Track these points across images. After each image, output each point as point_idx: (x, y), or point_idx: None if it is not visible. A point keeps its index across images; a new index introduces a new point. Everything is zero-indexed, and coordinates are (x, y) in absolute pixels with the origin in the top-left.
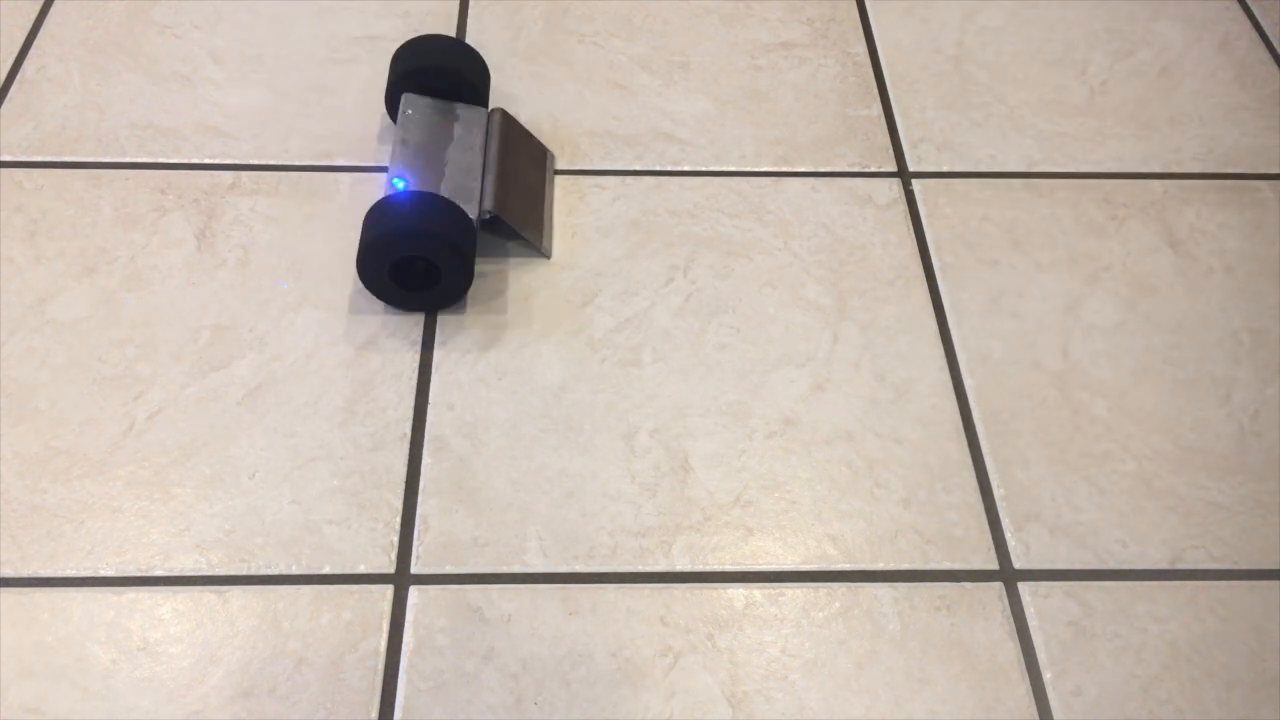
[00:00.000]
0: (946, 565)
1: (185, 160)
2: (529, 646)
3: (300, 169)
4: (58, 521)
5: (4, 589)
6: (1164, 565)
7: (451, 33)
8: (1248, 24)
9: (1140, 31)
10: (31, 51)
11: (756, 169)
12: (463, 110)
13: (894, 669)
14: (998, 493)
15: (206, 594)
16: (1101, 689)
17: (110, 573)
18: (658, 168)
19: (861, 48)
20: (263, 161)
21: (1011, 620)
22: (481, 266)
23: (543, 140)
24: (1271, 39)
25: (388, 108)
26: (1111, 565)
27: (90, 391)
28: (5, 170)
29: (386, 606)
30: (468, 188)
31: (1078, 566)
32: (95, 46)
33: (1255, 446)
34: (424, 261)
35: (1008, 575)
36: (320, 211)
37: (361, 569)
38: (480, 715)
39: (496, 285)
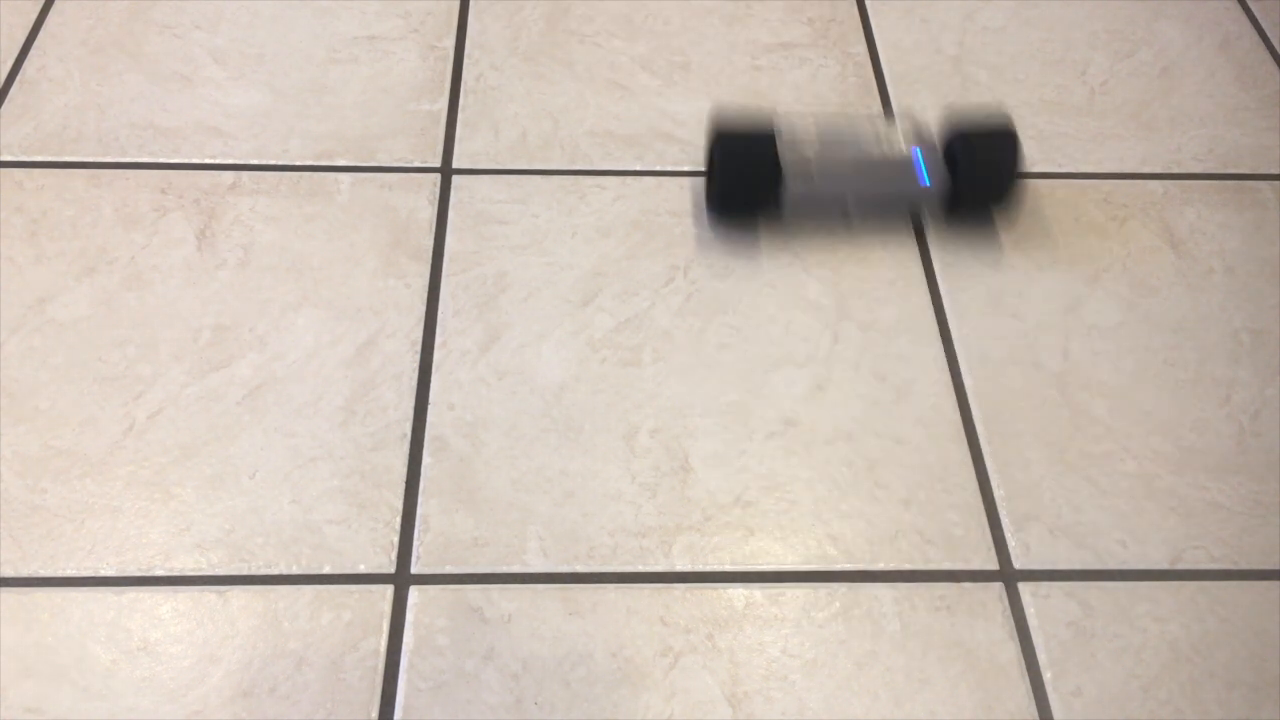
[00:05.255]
0: (946, 565)
1: (185, 160)
2: (529, 646)
3: (300, 169)
4: (58, 521)
5: (4, 589)
6: (1164, 565)
7: (452, 34)
8: (1248, 24)
9: (1140, 32)
10: (32, 51)
11: None
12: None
13: (894, 669)
14: (998, 493)
15: (207, 594)
16: (1101, 689)
17: (110, 573)
18: (658, 168)
19: (861, 48)
20: (263, 161)
21: (1011, 620)
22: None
23: (542, 140)
24: (1271, 39)
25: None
26: (1111, 565)
27: (90, 391)
28: (5, 170)
29: (386, 606)
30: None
31: (1078, 566)
32: (95, 46)
33: (1255, 446)
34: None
35: (1008, 575)
36: (320, 211)
37: (361, 569)
38: (480, 715)
39: (497, 284)
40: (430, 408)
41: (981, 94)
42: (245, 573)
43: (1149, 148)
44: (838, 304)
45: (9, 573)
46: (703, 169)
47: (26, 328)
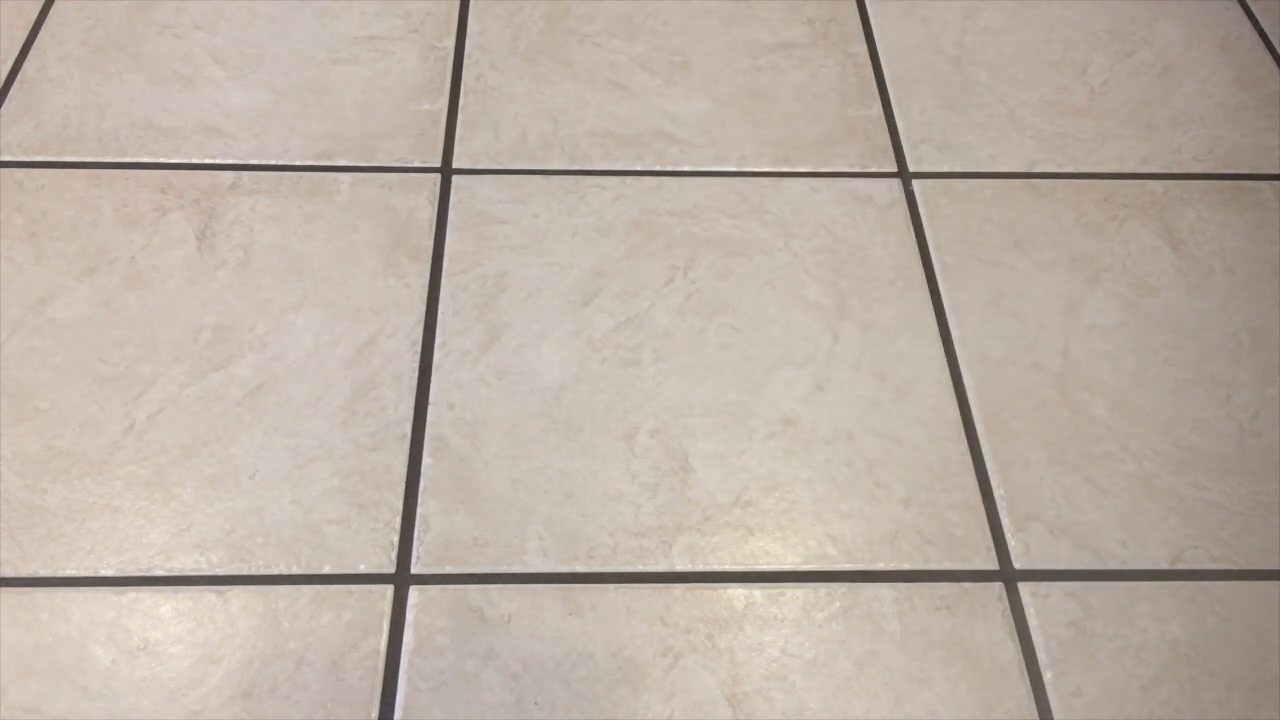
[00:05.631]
0: (946, 565)
1: (185, 160)
2: (529, 646)
3: (300, 169)
4: (58, 521)
5: (4, 589)
6: (1164, 565)
7: (452, 34)
8: (1248, 24)
9: (1140, 32)
10: (32, 51)
11: (756, 169)
12: None
13: (894, 669)
14: (998, 493)
15: (207, 594)
16: (1101, 689)
17: (110, 573)
18: (658, 168)
19: (861, 48)
20: (263, 161)
21: (1011, 620)
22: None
23: (542, 140)
24: (1271, 39)
25: None
26: (1111, 565)
27: (90, 391)
28: (5, 170)
29: (386, 606)
30: None
31: (1078, 566)
32: (95, 46)
33: (1255, 446)
34: None
35: (1008, 575)
36: (320, 211)
37: (361, 569)
38: (480, 715)
39: (497, 284)
40: (430, 408)
41: (981, 94)
42: (245, 573)
43: (1149, 148)
44: (838, 304)
45: (9, 573)
46: (704, 169)
47: (26, 328)
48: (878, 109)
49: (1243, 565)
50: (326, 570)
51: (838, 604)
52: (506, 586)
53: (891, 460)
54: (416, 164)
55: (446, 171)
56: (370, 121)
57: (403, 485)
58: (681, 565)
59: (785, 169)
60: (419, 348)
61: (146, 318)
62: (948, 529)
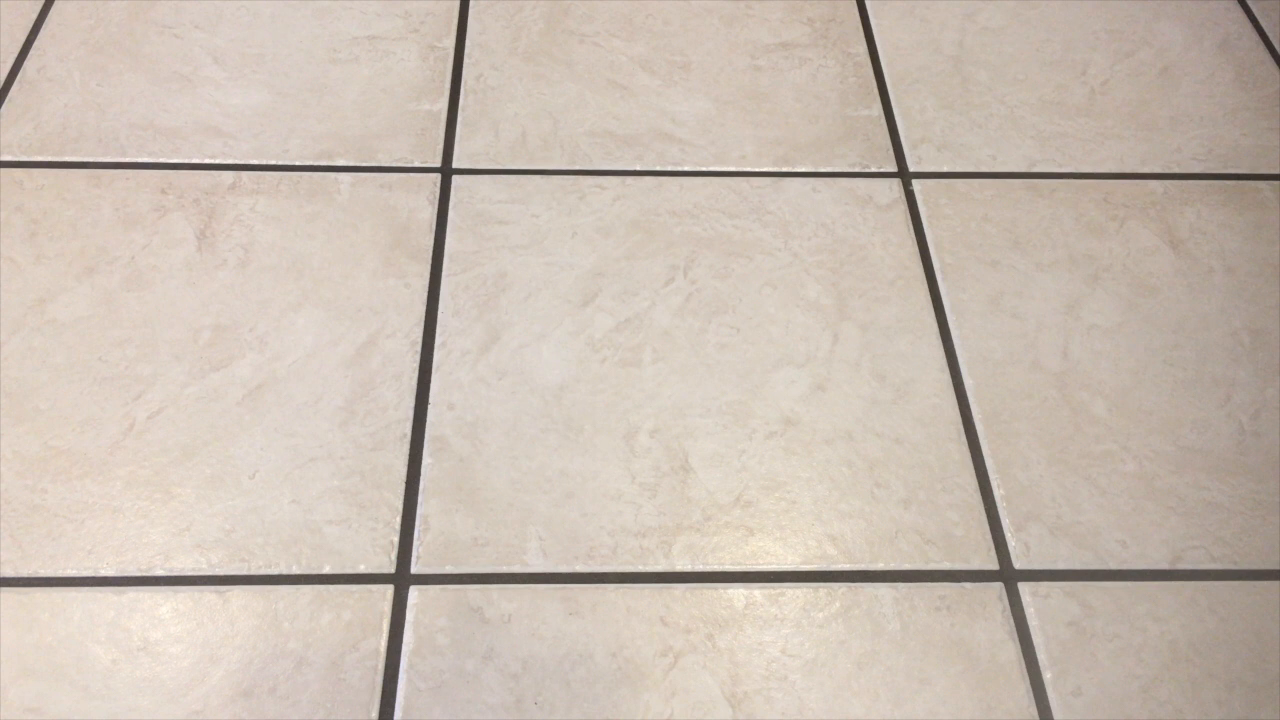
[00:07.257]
0: (946, 565)
1: (185, 160)
2: (529, 646)
3: (300, 169)
4: (58, 521)
5: (4, 589)
6: (1164, 565)
7: (452, 34)
8: (1248, 24)
9: (1140, 32)
10: (32, 51)
11: (756, 169)
12: None
13: (894, 669)
14: (998, 493)
15: (207, 594)
16: (1101, 689)
17: (110, 573)
18: (658, 168)
19: (861, 48)
20: (263, 161)
21: (1011, 620)
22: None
23: (542, 140)
24: (1271, 39)
25: None
26: (1111, 565)
27: (90, 391)
28: (5, 170)
29: (386, 606)
30: None
31: (1078, 566)
32: (95, 46)
33: (1255, 446)
34: None
35: (1008, 575)
36: (320, 211)
37: (361, 569)
38: (480, 715)
39: (497, 284)
40: (430, 408)
41: (981, 94)
42: (245, 573)
43: (1149, 148)
44: (838, 304)
45: (9, 573)
46: (704, 169)
47: (26, 328)
48: (878, 109)
49: (1243, 565)
50: (326, 570)
51: (838, 604)
52: (506, 586)
53: (891, 460)
54: (416, 164)
55: (446, 171)
56: (370, 121)
57: (403, 485)
58: (681, 565)
59: (785, 169)
60: (419, 348)
61: (146, 318)
62: (948, 529)
